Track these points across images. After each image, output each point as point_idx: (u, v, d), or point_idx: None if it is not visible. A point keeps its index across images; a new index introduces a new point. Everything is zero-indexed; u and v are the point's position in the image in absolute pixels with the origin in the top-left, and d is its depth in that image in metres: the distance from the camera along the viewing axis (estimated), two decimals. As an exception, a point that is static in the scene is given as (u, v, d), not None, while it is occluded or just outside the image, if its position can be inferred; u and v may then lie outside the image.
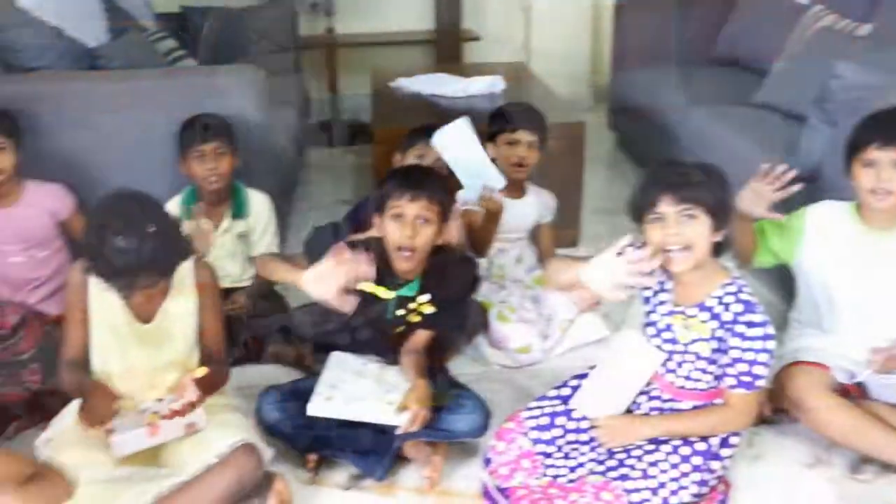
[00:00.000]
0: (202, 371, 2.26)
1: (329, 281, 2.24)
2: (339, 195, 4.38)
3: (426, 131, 2.93)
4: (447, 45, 5.77)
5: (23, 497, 1.69)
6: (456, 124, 2.79)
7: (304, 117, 4.66)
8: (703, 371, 2.11)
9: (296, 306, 2.95)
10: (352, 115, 5.73)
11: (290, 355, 2.87)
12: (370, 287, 2.44)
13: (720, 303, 2.06)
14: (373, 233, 2.47)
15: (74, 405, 2.32)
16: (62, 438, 2.19)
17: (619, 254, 2.04)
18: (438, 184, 2.41)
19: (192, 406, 2.17)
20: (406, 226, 2.33)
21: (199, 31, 4.75)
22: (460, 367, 2.78)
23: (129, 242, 2.05)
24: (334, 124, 5.56)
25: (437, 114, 3.91)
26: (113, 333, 2.29)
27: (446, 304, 2.48)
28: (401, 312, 2.46)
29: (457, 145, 2.54)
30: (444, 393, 2.39)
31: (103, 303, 2.27)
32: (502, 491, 2.21)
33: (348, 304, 2.26)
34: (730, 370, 2.05)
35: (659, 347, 2.15)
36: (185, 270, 2.32)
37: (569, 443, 2.19)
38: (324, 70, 5.62)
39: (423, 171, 2.46)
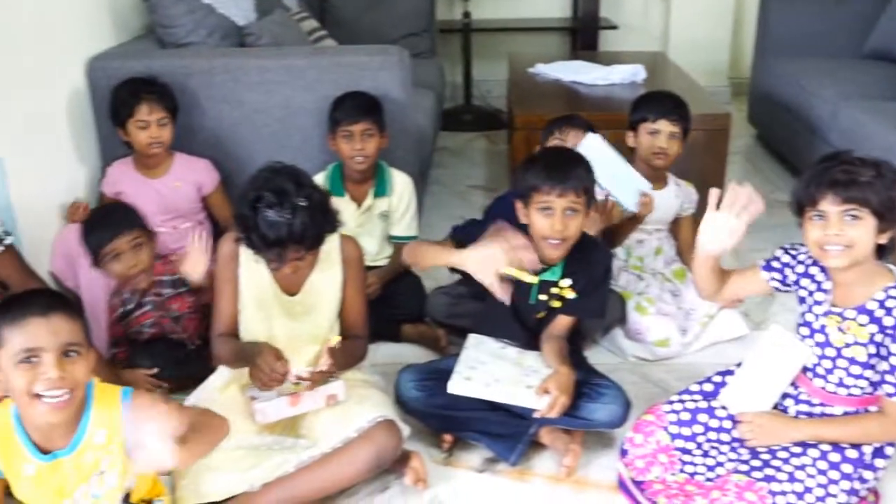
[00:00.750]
0: (336, 339, 2.28)
1: (493, 263, 2.24)
2: (470, 180, 4.38)
3: (571, 119, 2.90)
4: (584, 33, 5.70)
5: (189, 449, 1.74)
6: (587, 142, 2.73)
7: (441, 101, 4.67)
8: (858, 377, 2.01)
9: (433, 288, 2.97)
10: (483, 101, 5.73)
11: (426, 335, 2.88)
12: (513, 271, 2.43)
13: (882, 306, 1.96)
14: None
15: (218, 373, 2.39)
16: (206, 405, 2.24)
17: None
18: (584, 170, 2.36)
19: (326, 374, 2.20)
20: (556, 220, 2.29)
21: (338, 12, 4.83)
22: (595, 356, 2.73)
23: (280, 215, 2.09)
24: (467, 109, 5.56)
25: (578, 101, 3.88)
26: (259, 305, 2.33)
27: (588, 289, 2.44)
28: (543, 297, 2.44)
29: (596, 160, 2.49)
30: (584, 381, 2.36)
31: (252, 275, 2.32)
32: (638, 484, 2.17)
33: (506, 290, 2.26)
34: (889, 377, 1.95)
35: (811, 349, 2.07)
36: (332, 245, 2.35)
37: (709, 441, 2.13)
38: (458, 55, 5.62)
39: (568, 157, 2.41)
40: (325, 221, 2.20)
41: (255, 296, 2.34)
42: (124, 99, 2.95)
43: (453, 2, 5.74)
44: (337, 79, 3.08)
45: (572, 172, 2.32)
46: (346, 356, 2.32)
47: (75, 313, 1.72)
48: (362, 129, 2.86)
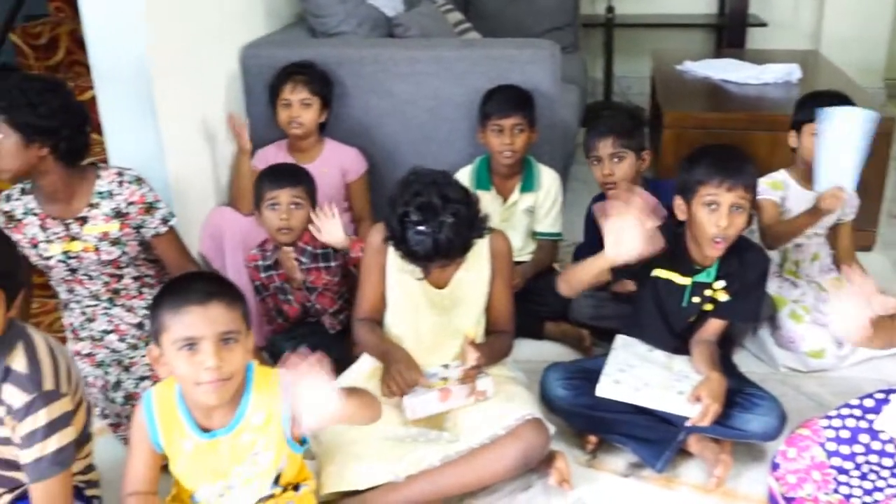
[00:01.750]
0: (472, 332, 2.26)
1: (629, 231, 2.09)
2: (610, 177, 4.30)
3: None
4: (731, 31, 5.53)
5: (351, 405, 1.75)
6: (864, 113, 2.56)
7: (584, 97, 4.60)
8: None
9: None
10: (623, 97, 5.63)
11: (568, 334, 2.84)
12: (665, 273, 2.36)
13: None
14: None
15: (364, 360, 2.40)
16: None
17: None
18: (752, 167, 2.27)
19: (475, 371, 2.18)
20: (721, 215, 2.21)
21: (482, 5, 4.81)
22: (744, 364, 2.63)
23: (427, 233, 2.10)
24: (607, 105, 5.47)
25: (729, 100, 3.77)
26: (407, 296, 2.34)
27: (742, 292, 2.35)
28: (696, 300, 2.36)
29: (844, 132, 2.36)
30: (737, 389, 2.27)
31: (400, 265, 2.32)
32: (789, 500, 2.08)
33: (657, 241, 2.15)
34: None
35: None
36: (482, 239, 2.33)
37: (869, 463, 2.01)
38: (599, 50, 5.53)
39: (738, 153, 2.32)
40: (472, 232, 2.20)
41: (402, 287, 2.34)
42: (275, 80, 3.03)
43: (597, -4, 5.66)
44: (486, 71, 3.06)
45: (742, 167, 2.24)
46: (492, 351, 2.30)
47: (234, 299, 1.75)
48: (513, 123, 2.83)
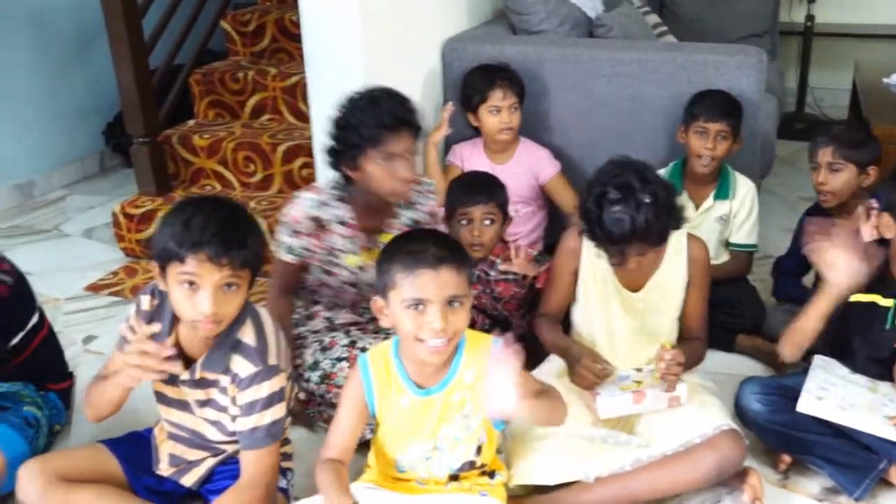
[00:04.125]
0: (668, 343, 2.23)
1: (845, 265, 2.08)
2: (802, 192, 4.15)
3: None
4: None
5: (532, 407, 1.77)
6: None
7: (781, 107, 4.47)
8: None
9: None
10: (817, 109, 5.43)
11: (761, 349, 2.76)
12: (865, 296, 2.26)
13: None
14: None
15: (553, 359, 2.41)
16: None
17: None
18: None
19: (678, 371, 2.15)
20: None
21: (679, 9, 4.74)
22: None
23: (625, 212, 2.07)
24: (800, 116, 5.29)
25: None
26: (600, 300, 2.33)
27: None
28: (901, 323, 2.26)
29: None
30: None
31: (594, 270, 2.33)
32: None
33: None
34: None
35: None
36: (679, 243, 2.30)
37: None
38: (794, 59, 5.35)
39: None
40: (670, 218, 2.16)
41: (595, 290, 2.34)
42: (478, 84, 3.04)
43: (795, 4, 5.46)
44: (690, 76, 3.01)
45: None
46: (687, 357, 2.26)
47: (463, 263, 1.81)
48: (718, 129, 2.78)
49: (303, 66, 3.93)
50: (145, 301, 1.98)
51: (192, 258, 1.78)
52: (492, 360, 1.72)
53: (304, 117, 3.94)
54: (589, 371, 2.20)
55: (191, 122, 4.14)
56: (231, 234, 1.80)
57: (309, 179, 3.65)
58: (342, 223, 2.43)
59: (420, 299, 1.75)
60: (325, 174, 2.56)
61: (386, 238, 2.37)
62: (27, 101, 4.57)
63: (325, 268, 2.48)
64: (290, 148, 3.70)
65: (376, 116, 2.29)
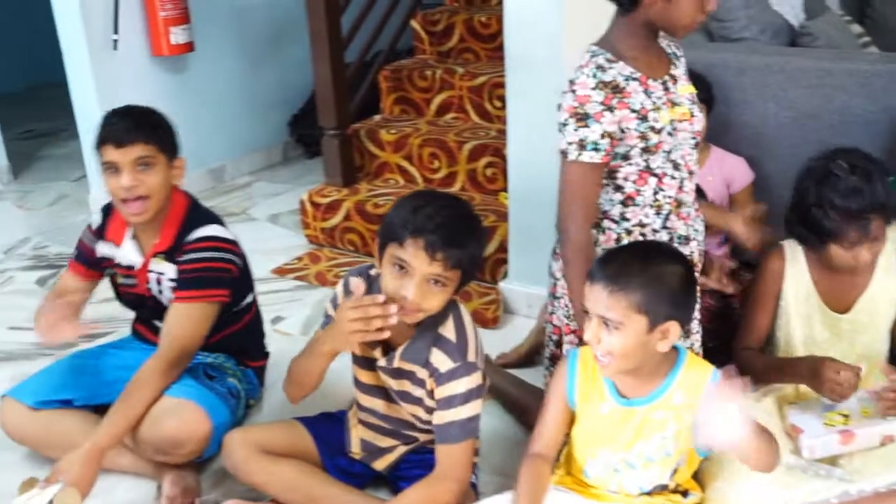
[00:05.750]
0: (882, 361, 2.12)
1: None
2: None
3: None
4: None
5: (751, 446, 1.72)
6: None
7: None
8: None
9: None
10: None
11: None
12: None
13: None
14: None
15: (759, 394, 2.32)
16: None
17: None
18: None
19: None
20: None
21: (883, 20, 4.52)
22: None
23: (861, 182, 2.02)
24: None
25: None
26: (804, 322, 2.26)
27: None
28: None
29: None
30: None
31: (798, 290, 2.25)
32: None
33: None
34: None
35: None
36: (889, 261, 2.21)
37: None
38: None
39: None
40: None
41: (798, 313, 2.26)
42: None
43: None
44: (900, 90, 2.87)
45: None
46: None
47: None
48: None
49: (490, 67, 4.03)
50: (354, 283, 2.03)
51: (410, 243, 1.81)
52: (715, 390, 1.69)
53: (489, 117, 3.97)
54: (841, 379, 2.04)
55: (377, 117, 4.24)
56: (454, 232, 1.83)
57: (493, 179, 3.68)
58: (633, 79, 1.97)
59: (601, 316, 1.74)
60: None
61: (684, 90, 2.06)
62: (225, 92, 4.81)
63: (644, 142, 1.98)
64: (475, 147, 3.72)
65: None
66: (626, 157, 1.99)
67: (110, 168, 2.24)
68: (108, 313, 3.29)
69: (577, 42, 2.79)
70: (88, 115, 4.19)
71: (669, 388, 1.82)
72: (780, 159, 3.06)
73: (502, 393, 2.65)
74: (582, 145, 1.92)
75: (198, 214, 2.40)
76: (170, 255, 2.34)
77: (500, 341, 2.97)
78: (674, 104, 2.01)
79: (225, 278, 2.34)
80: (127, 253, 2.39)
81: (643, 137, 1.96)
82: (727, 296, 2.65)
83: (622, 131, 1.94)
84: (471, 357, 1.94)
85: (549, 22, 2.79)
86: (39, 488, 2.00)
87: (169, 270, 2.35)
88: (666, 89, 2.01)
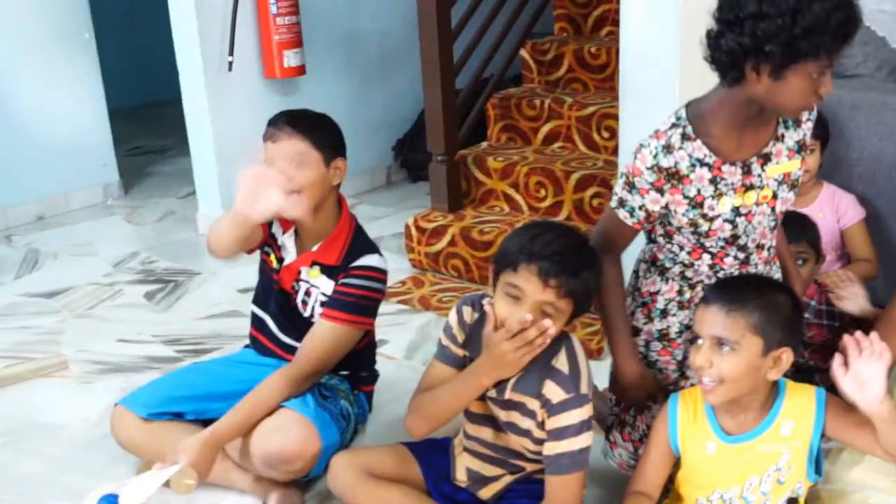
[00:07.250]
0: None
1: None
2: None
3: None
4: None
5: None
6: None
7: None
8: None
9: None
10: None
11: None
12: None
13: None
14: None
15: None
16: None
17: None
18: None
19: None
20: None
21: None
22: None
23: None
24: None
25: None
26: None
27: None
28: None
29: None
30: None
31: None
32: None
33: None
34: None
35: None
36: None
37: None
38: None
39: None
40: None
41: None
42: None
43: None
44: None
45: None
46: None
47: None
48: None
49: (599, 97, 4.03)
50: (467, 313, 2.05)
51: (524, 269, 1.83)
52: (862, 348, 1.67)
53: (596, 148, 3.97)
54: None
55: (484, 144, 4.28)
56: (569, 260, 1.84)
57: (599, 210, 3.67)
58: (704, 164, 1.88)
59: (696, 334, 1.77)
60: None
61: (776, 170, 1.93)
62: (333, 115, 4.84)
63: (693, 227, 1.95)
64: (583, 177, 3.72)
65: (833, 24, 1.66)
66: (679, 230, 1.99)
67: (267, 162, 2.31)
68: (213, 329, 3.39)
69: (693, 76, 2.80)
70: (201, 133, 4.30)
71: (775, 420, 1.82)
72: (892, 200, 3.00)
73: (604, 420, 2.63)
74: (622, 203, 1.96)
75: (363, 240, 2.47)
76: (331, 272, 2.41)
77: (604, 372, 2.94)
78: (749, 188, 1.92)
79: (373, 307, 2.42)
80: (286, 244, 2.46)
81: (693, 224, 1.95)
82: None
83: (668, 211, 1.95)
84: (583, 389, 1.95)
85: (665, 55, 2.79)
86: (157, 468, 2.06)
87: (324, 286, 2.42)
88: (747, 172, 1.91)
